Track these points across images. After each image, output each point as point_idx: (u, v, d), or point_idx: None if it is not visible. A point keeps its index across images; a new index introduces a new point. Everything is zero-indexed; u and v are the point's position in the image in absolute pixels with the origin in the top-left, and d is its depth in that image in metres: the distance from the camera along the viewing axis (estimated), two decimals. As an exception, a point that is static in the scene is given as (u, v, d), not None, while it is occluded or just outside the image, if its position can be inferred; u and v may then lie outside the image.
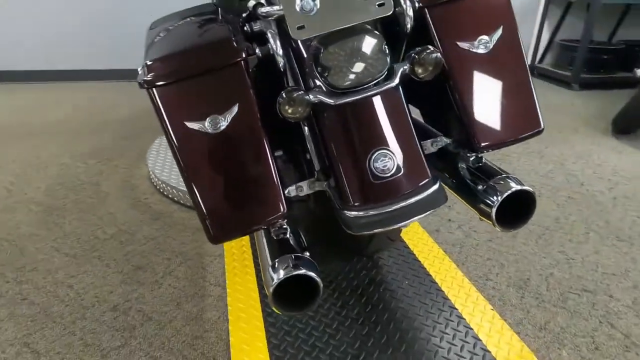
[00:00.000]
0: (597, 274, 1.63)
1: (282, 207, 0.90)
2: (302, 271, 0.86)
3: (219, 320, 1.41)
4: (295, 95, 0.86)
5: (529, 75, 0.98)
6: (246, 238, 1.70)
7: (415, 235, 1.68)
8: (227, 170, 0.88)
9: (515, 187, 0.95)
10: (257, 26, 0.95)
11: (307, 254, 0.92)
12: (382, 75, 0.88)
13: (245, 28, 0.96)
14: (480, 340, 1.20)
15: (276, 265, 0.88)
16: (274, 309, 0.86)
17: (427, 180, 0.92)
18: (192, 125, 0.86)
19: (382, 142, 0.89)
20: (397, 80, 0.88)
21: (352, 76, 0.87)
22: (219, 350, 1.29)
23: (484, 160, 1.06)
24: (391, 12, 0.85)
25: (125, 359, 1.28)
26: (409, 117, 0.92)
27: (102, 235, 1.87)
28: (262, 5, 0.90)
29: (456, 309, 1.31)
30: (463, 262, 1.68)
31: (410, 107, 0.96)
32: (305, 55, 0.98)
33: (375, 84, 0.88)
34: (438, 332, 1.22)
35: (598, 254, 1.75)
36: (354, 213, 0.90)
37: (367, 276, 1.45)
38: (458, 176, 1.09)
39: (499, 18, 0.94)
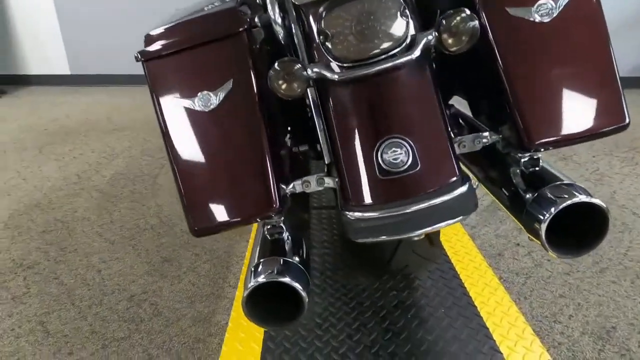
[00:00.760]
0: None
1: (274, 203, 0.75)
2: (285, 279, 0.71)
3: (226, 325, 1.28)
4: (289, 67, 0.71)
5: (612, 52, 0.72)
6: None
7: (466, 256, 1.40)
8: (215, 155, 0.75)
9: (577, 198, 0.70)
10: None
11: (297, 259, 0.76)
12: (400, 47, 0.69)
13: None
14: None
15: (259, 268, 0.74)
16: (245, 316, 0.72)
17: (452, 180, 0.70)
18: (182, 102, 0.76)
19: (396, 129, 0.70)
20: (417, 52, 0.68)
21: (359, 45, 0.69)
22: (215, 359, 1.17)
23: (541, 164, 0.80)
24: None
25: (122, 352, 1.22)
26: (438, 101, 0.72)
27: (144, 225, 1.88)
28: None
29: (500, 352, 1.03)
30: (526, 297, 1.36)
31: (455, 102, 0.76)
32: (307, 24, 0.83)
33: (390, 57, 0.69)
34: (469, 379, 0.96)
35: None
36: (352, 215, 0.72)
37: (396, 297, 1.22)
38: (507, 183, 0.85)
39: None
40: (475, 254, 1.41)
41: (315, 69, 0.70)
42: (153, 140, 2.95)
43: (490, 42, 0.70)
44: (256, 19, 0.81)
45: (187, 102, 0.75)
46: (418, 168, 0.69)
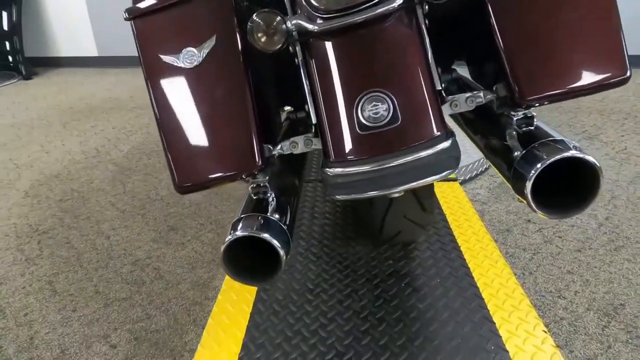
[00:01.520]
0: None
1: (257, 160, 0.74)
2: (263, 235, 0.70)
3: (223, 290, 1.30)
4: (269, 19, 0.69)
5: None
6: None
7: (469, 229, 1.36)
8: (198, 112, 0.76)
9: (566, 153, 0.66)
10: None
11: (278, 217, 0.76)
12: None
13: None
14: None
15: (239, 223, 0.74)
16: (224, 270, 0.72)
17: (434, 135, 0.68)
18: (167, 58, 0.76)
19: (378, 83, 0.68)
20: (399, 1, 0.65)
21: None
22: (209, 320, 1.19)
23: (536, 123, 0.76)
24: None
25: (123, 311, 1.26)
26: (424, 56, 0.69)
27: (154, 196, 1.92)
28: None
29: (492, 321, 1.00)
30: (531, 272, 1.31)
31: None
32: None
33: (371, 6, 0.67)
34: (457, 344, 0.94)
35: None
36: (331, 171, 0.71)
37: (391, 266, 1.20)
38: (501, 144, 0.81)
39: None
40: (479, 227, 1.37)
41: (295, 21, 0.69)
42: (171, 117, 3.00)
43: None
44: None
45: (172, 59, 0.76)
46: (398, 123, 0.67)
